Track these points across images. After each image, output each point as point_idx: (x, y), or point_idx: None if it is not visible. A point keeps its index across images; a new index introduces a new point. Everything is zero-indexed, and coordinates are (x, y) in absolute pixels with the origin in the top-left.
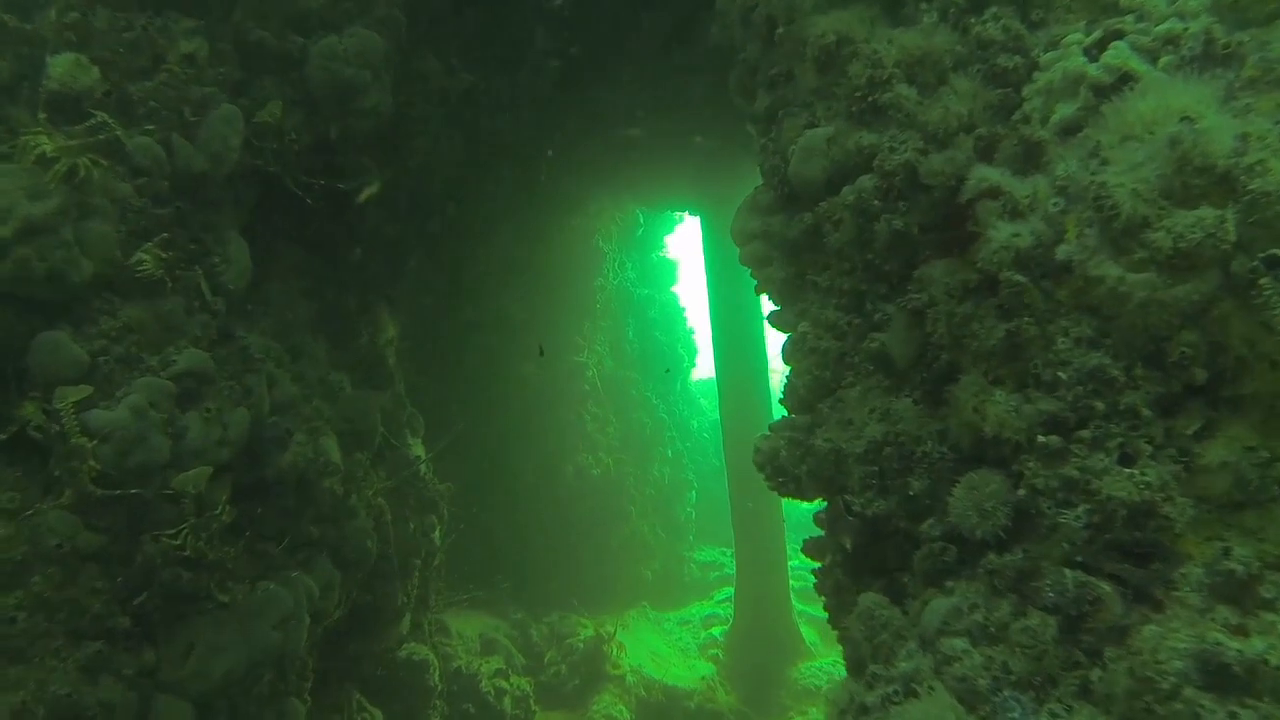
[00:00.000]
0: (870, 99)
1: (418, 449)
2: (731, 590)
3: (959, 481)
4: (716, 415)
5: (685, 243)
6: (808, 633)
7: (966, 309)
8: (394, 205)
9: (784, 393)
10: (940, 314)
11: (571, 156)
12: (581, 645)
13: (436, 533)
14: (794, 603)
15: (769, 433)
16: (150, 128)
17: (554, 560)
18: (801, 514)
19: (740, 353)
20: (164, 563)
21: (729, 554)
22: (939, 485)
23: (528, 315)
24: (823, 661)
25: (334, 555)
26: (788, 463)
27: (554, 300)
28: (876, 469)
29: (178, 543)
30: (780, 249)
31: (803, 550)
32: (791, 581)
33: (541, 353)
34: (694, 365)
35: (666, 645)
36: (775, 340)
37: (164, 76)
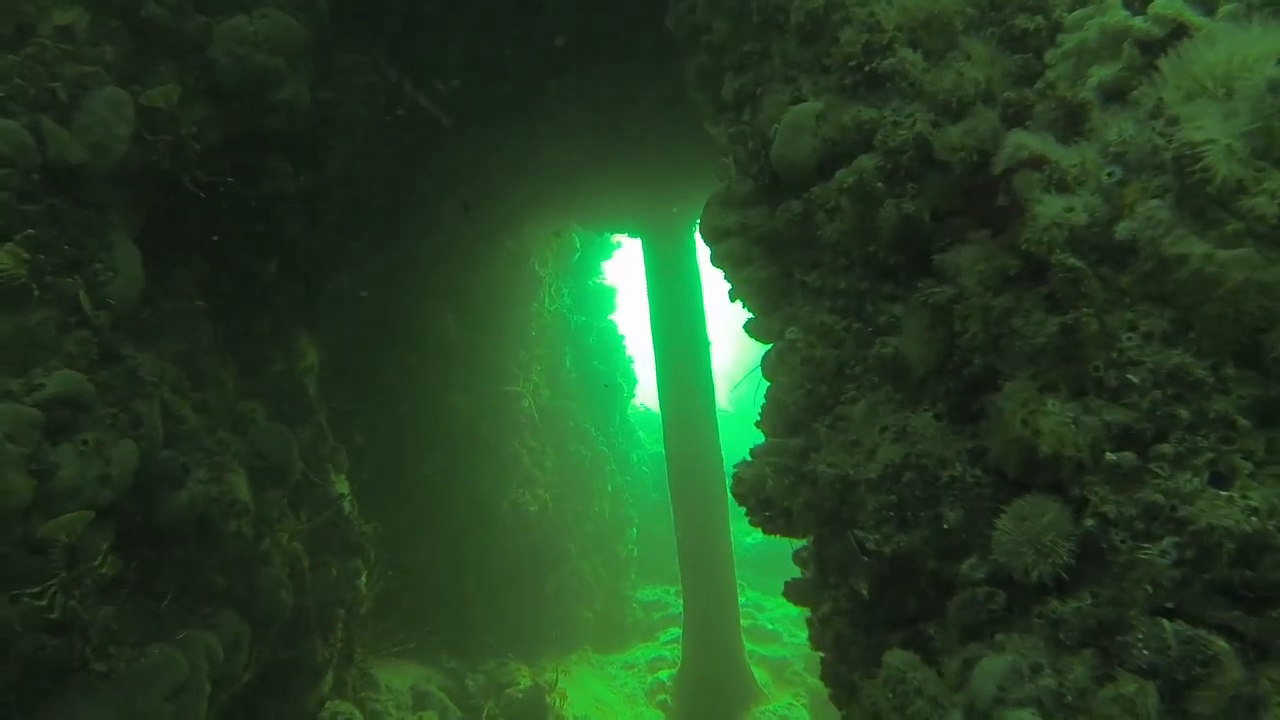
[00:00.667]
0: (867, 68)
1: (341, 486)
2: (677, 631)
3: (1004, 511)
4: (656, 448)
5: (623, 269)
6: (759, 674)
7: (1006, 301)
8: (316, 217)
9: (764, 413)
10: (972, 309)
11: (507, 175)
12: (521, 695)
13: (363, 578)
14: (745, 643)
15: (750, 459)
16: (15, 109)
17: (490, 603)
18: (745, 548)
19: (686, 380)
20: (25, 629)
21: (672, 592)
22: (976, 516)
23: (460, 342)
24: (776, 705)
25: (243, 609)
26: (776, 493)
27: (488, 326)
28: (895, 498)
29: (43, 603)
30: (761, 245)
31: (785, 595)
32: (741, 620)
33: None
34: (633, 395)
35: (611, 692)
36: (721, 367)
37: (32, 49)
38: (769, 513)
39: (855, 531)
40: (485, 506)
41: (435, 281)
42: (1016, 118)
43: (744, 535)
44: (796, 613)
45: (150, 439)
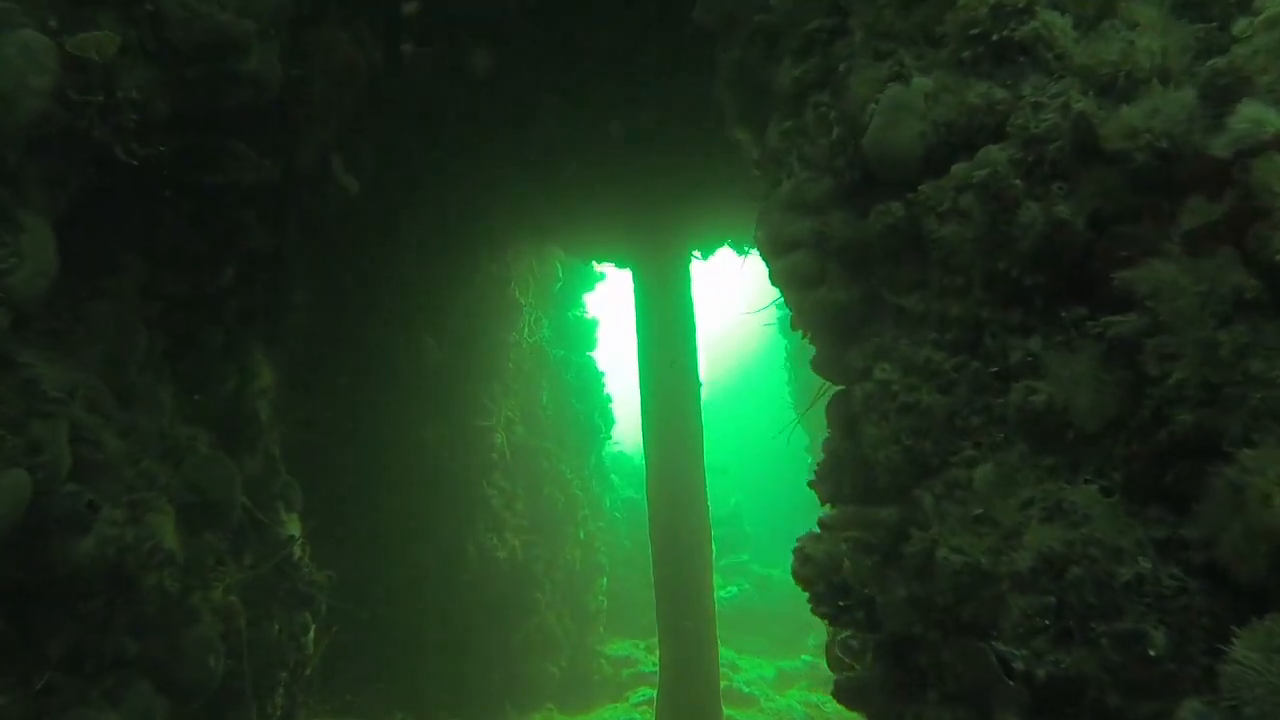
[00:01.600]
0: (996, 36)
1: (293, 527)
2: (648, 691)
3: (1238, 634)
4: (629, 492)
5: (605, 302)
6: None
7: (1238, 336)
8: (280, 217)
9: (826, 472)
10: (1181, 345)
11: (492, 189)
12: None
13: (310, 634)
14: (724, 710)
15: (820, 532)
16: None
17: (451, 657)
18: (719, 602)
19: (673, 423)
20: None
21: (642, 647)
22: (1184, 637)
23: (438, 368)
24: None
25: (160, 678)
26: (857, 579)
27: (461, 355)
28: (1053, 601)
29: None
30: (841, 259)
31: (837, 696)
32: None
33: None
34: (609, 436)
35: None
36: (712, 410)
37: None
38: (844, 602)
39: (994, 644)
40: (449, 551)
41: (413, 300)
42: (1224, 95)
43: (717, 588)
44: (773, 673)
45: (50, 469)
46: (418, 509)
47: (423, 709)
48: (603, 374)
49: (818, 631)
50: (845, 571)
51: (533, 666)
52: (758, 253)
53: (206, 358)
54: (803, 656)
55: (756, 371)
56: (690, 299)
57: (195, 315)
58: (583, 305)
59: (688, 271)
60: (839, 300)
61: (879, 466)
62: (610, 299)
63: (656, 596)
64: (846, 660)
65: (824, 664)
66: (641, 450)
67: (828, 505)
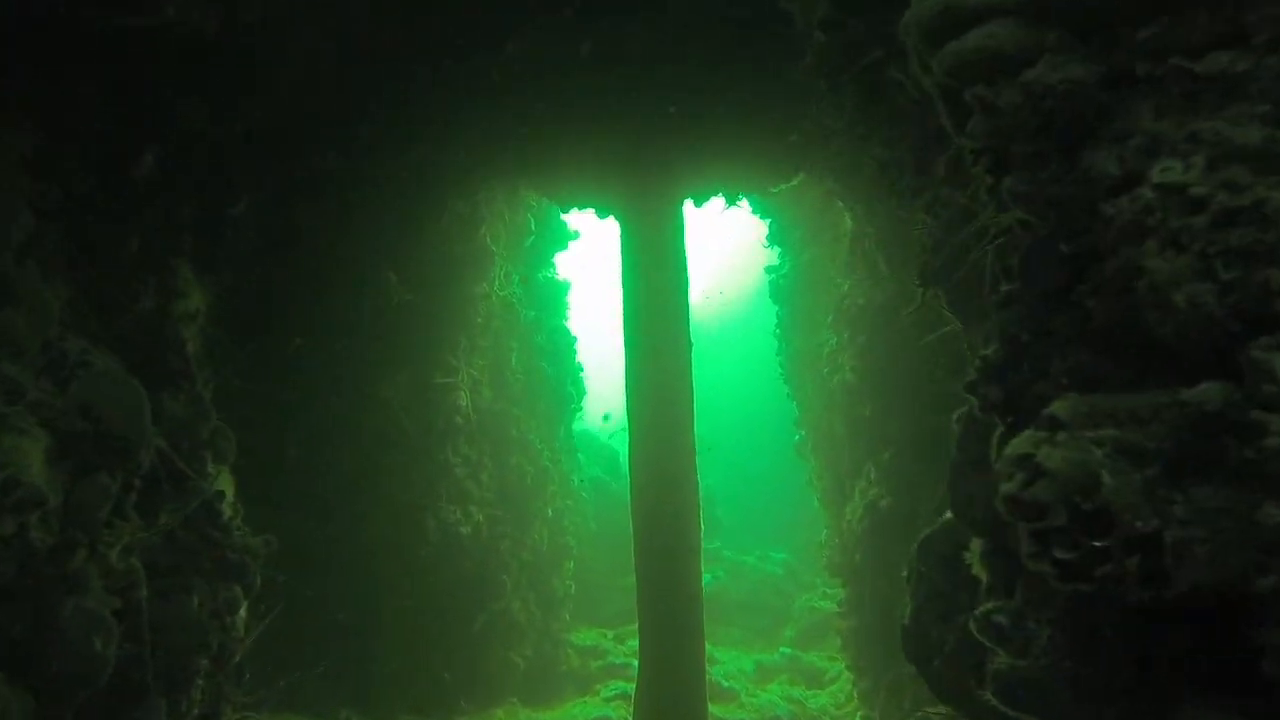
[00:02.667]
0: None
1: (223, 483)
2: (621, 685)
3: None
4: (596, 471)
5: (579, 264)
6: None
7: None
8: (223, 102)
9: (1029, 343)
10: None
11: (461, 121)
12: None
13: (241, 613)
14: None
15: (1053, 433)
16: None
17: (405, 643)
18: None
19: (662, 390)
20: None
21: (610, 637)
22: None
23: (401, 313)
24: None
25: (22, 665)
26: (1124, 504)
27: (426, 301)
28: None
29: None
30: (1068, 22)
31: None
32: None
33: None
34: (581, 408)
35: None
36: (703, 376)
37: None
38: (1104, 541)
39: None
40: (407, 523)
41: (376, 227)
42: None
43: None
44: (752, 667)
45: None
46: (371, 474)
47: (373, 703)
48: (575, 339)
49: (795, 622)
50: (1106, 492)
51: (495, 656)
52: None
53: (116, 266)
54: (781, 649)
55: (738, 337)
56: (683, 250)
57: (104, 209)
58: (554, 266)
59: (680, 220)
60: (1073, 78)
61: (1172, 317)
62: (583, 262)
63: (638, 582)
64: (1014, 638)
65: (805, 657)
66: (608, 428)
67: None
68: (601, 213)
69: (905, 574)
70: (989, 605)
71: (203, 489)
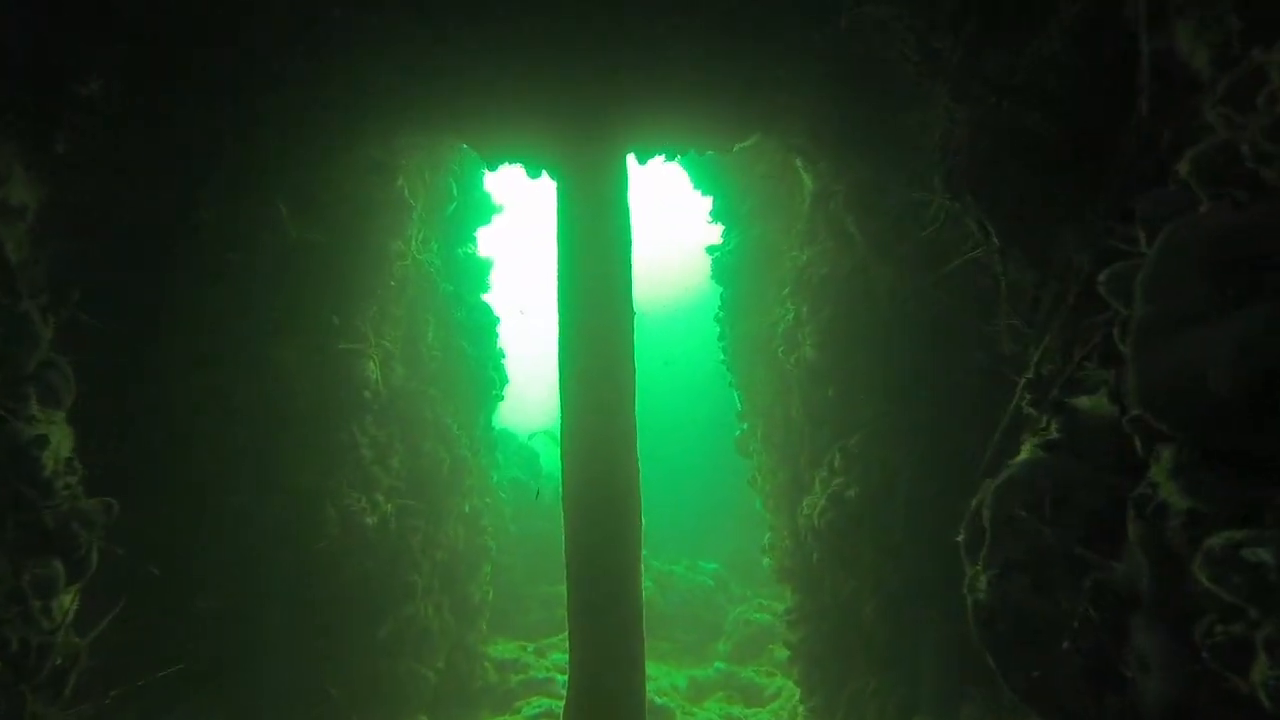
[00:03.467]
0: None
1: (54, 432)
2: (545, 703)
3: None
4: (514, 472)
5: (502, 240)
6: None
7: None
8: None
9: None
10: None
11: (379, 58)
12: None
13: (67, 600)
14: None
15: None
16: None
17: (298, 650)
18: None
19: (602, 370)
20: None
21: (530, 650)
22: None
23: (293, 264)
24: None
25: None
26: None
27: (330, 249)
28: None
29: None
30: None
31: None
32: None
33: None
34: (502, 397)
35: None
36: (646, 353)
37: None
38: None
39: None
40: (303, 510)
41: (268, 149)
42: None
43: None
44: (684, 683)
45: None
46: (260, 451)
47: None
48: (498, 320)
49: (729, 636)
50: None
51: (402, 668)
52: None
53: None
54: (716, 664)
55: (663, 333)
56: (627, 210)
57: None
58: (475, 240)
59: (624, 175)
60: None
61: None
62: (506, 240)
63: (570, 591)
64: None
65: (741, 673)
66: (527, 429)
67: None
68: (533, 170)
69: (962, 539)
70: (1226, 536)
71: (18, 436)
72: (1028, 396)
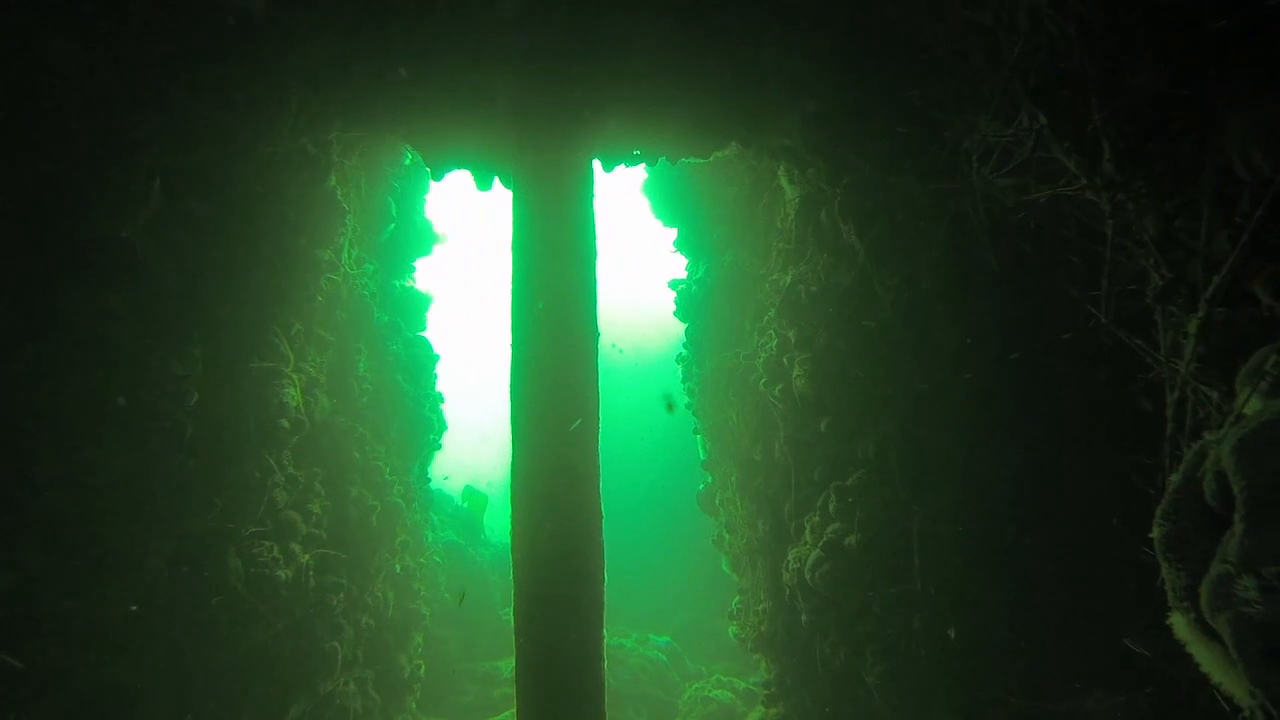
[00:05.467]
0: None
1: None
2: None
3: None
4: (449, 535)
5: (441, 274)
6: None
7: None
8: None
9: None
10: None
11: (310, 48)
12: None
13: None
14: None
15: None
16: None
17: None
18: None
19: (561, 407)
20: None
21: None
22: None
23: (196, 270)
24: None
25: None
26: None
27: (248, 257)
28: None
29: None
30: None
31: None
32: None
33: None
34: (439, 445)
35: None
36: (614, 380)
37: None
38: None
39: None
40: (201, 558)
41: (168, 146)
42: None
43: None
44: None
45: None
46: (147, 485)
47: None
48: (437, 358)
49: (684, 715)
50: None
51: None
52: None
53: None
54: None
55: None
56: (592, 221)
57: None
58: (412, 272)
59: (589, 183)
60: None
61: None
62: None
63: (519, 662)
64: None
65: None
66: (460, 489)
67: None
68: (483, 179)
69: (1161, 533)
70: None
71: None
72: (1193, 364)
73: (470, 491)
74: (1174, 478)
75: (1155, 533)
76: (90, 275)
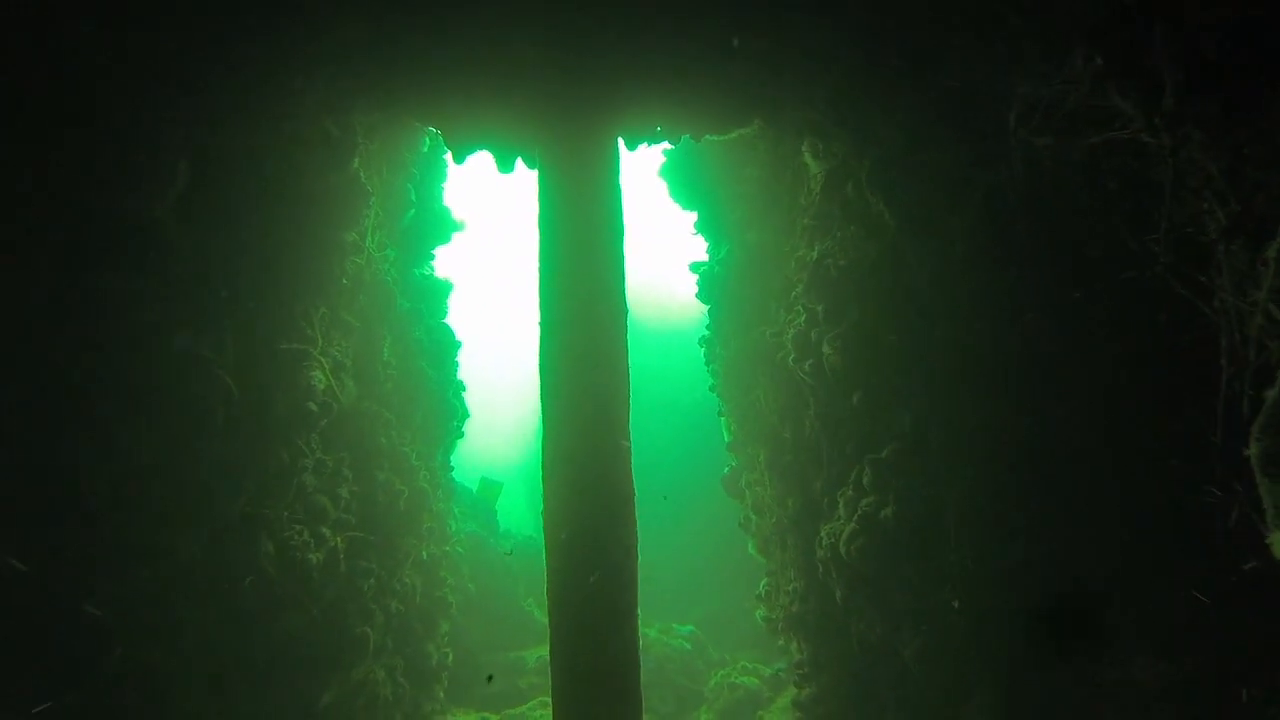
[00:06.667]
0: None
1: None
2: None
3: None
4: (471, 526)
5: (462, 260)
6: None
7: None
8: None
9: None
10: None
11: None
12: None
13: None
14: None
15: None
16: None
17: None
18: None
19: (592, 386)
20: None
21: None
22: None
23: (224, 250)
24: None
25: None
26: None
27: (275, 238)
28: None
29: None
30: None
31: None
32: None
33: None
34: (462, 433)
35: None
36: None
37: None
38: None
39: None
40: (231, 542)
41: (182, 120)
42: None
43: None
44: None
45: None
46: (176, 467)
47: None
48: (459, 345)
49: (711, 703)
50: None
51: None
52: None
53: None
54: None
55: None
56: (619, 201)
57: None
58: (432, 262)
59: (615, 162)
60: None
61: None
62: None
63: (552, 647)
64: None
65: None
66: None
67: None
68: (505, 161)
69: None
70: None
71: None
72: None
73: (486, 482)
74: (1271, 392)
75: (1253, 450)
76: (120, 257)
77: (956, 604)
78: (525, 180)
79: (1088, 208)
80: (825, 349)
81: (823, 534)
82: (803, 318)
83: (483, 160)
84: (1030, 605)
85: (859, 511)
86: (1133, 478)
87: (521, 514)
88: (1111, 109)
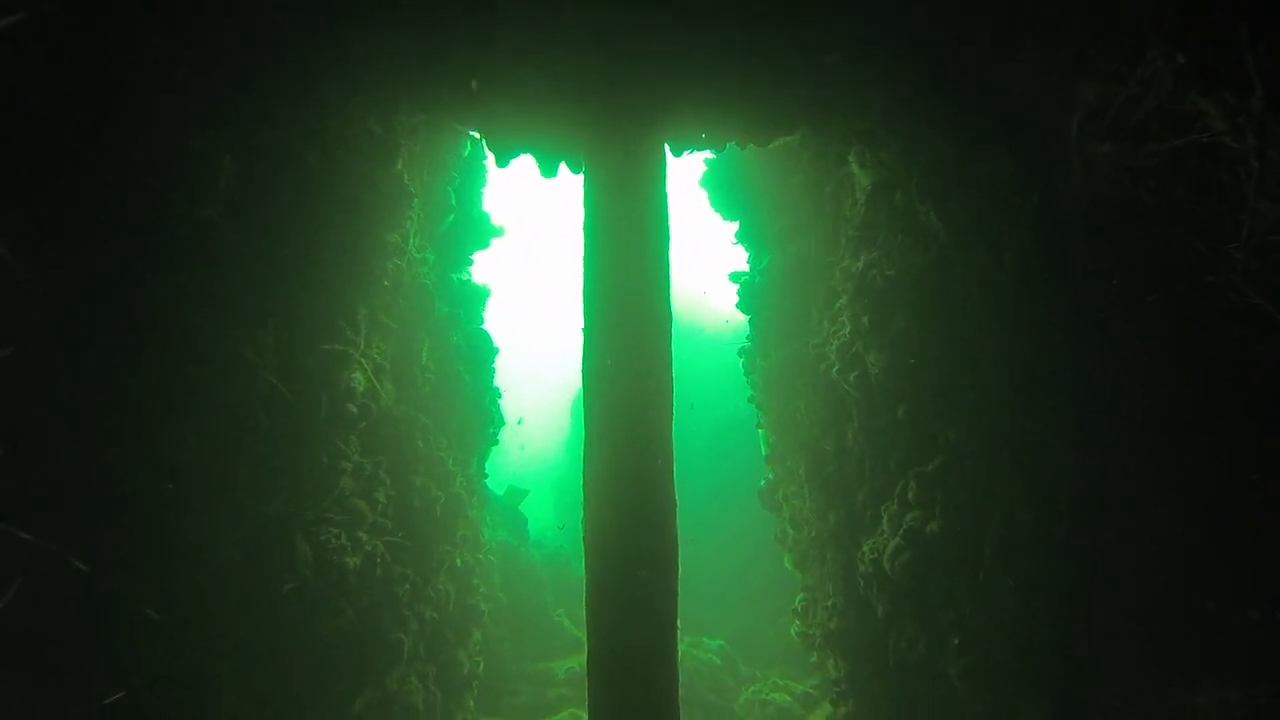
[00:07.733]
0: None
1: None
2: None
3: None
4: (502, 535)
5: (499, 267)
6: None
7: None
8: None
9: None
10: None
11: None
12: None
13: None
14: None
15: None
16: None
17: None
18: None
19: (636, 393)
20: None
21: None
22: None
23: (267, 249)
24: None
25: None
26: None
27: (319, 237)
28: None
29: None
30: None
31: None
32: None
33: None
34: (497, 440)
35: None
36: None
37: None
38: None
39: None
40: (269, 543)
41: (235, 131)
42: None
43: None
44: None
45: None
46: (218, 467)
47: None
48: (497, 351)
49: None
50: None
51: None
52: None
53: None
54: None
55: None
56: (665, 208)
57: None
58: (469, 266)
59: (663, 168)
60: None
61: None
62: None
63: (590, 655)
64: None
65: None
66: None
67: None
68: (548, 166)
69: None
70: None
71: None
72: None
73: (513, 489)
74: None
75: None
76: (166, 257)
77: (1003, 613)
78: (561, 186)
79: (1154, 216)
80: (870, 360)
81: (865, 548)
82: (847, 329)
83: (521, 166)
84: (1083, 623)
85: (904, 526)
86: (1200, 494)
87: (548, 521)
88: (1188, 112)
